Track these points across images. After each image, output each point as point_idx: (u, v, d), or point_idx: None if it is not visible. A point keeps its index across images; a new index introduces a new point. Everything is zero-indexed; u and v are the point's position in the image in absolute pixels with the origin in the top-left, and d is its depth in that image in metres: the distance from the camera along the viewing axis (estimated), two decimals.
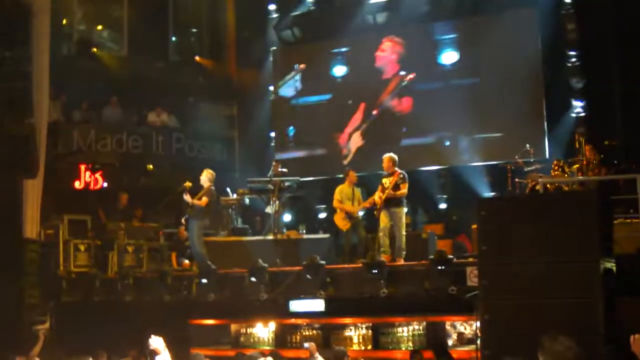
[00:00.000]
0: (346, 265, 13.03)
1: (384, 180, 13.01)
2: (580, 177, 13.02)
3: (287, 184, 14.94)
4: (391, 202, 12.81)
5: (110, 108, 19.63)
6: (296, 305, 12.42)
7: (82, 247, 15.71)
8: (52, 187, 16.51)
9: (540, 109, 17.12)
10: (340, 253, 14.58)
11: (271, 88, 20.75)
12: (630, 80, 15.67)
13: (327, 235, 15.33)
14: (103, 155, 19.11)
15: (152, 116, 20.04)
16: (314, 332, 12.99)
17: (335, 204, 13.94)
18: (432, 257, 11.46)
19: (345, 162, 18.81)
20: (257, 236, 15.46)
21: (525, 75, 17.23)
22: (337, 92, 19.70)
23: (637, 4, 15.29)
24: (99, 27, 20.77)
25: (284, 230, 15.39)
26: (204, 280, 13.24)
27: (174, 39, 21.78)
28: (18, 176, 15.06)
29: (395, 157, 13.17)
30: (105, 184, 18.79)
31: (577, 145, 13.91)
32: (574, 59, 16.62)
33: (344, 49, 19.60)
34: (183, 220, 14.33)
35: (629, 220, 10.98)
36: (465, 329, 12.72)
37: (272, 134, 20.62)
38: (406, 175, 12.98)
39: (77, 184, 18.56)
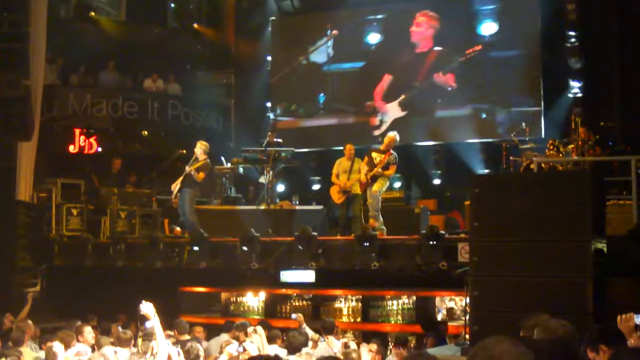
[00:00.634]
0: (338, 237, 13.07)
1: (374, 155, 13.02)
2: (575, 158, 13.04)
3: (282, 154, 14.92)
4: (375, 179, 12.89)
5: (107, 73, 19.52)
6: (287, 276, 12.41)
7: (74, 212, 15.70)
8: (47, 150, 16.52)
9: (538, 88, 17.09)
10: (333, 225, 14.60)
11: (269, 58, 20.69)
12: (628, 63, 15.66)
13: (320, 207, 15.36)
14: (98, 120, 19.04)
15: (148, 82, 19.94)
16: (304, 302, 13.00)
17: (333, 178, 13.95)
18: (424, 232, 11.50)
19: (378, 132, 18.43)
20: (250, 205, 15.48)
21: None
22: (370, 60, 19.39)
23: None
24: None
25: (277, 200, 15.38)
26: (196, 248, 13.25)
27: (172, 5, 21.61)
28: (13, 138, 15.03)
29: (398, 139, 13.20)
30: (100, 149, 18.75)
31: (572, 126, 13.90)
32: (573, 40, 16.53)
33: (379, 16, 19.26)
34: (174, 189, 13.89)
35: (622, 202, 11.03)
36: (455, 304, 12.76)
37: (269, 104, 20.53)
38: (397, 157, 13.00)
39: (72, 148, 18.52)
